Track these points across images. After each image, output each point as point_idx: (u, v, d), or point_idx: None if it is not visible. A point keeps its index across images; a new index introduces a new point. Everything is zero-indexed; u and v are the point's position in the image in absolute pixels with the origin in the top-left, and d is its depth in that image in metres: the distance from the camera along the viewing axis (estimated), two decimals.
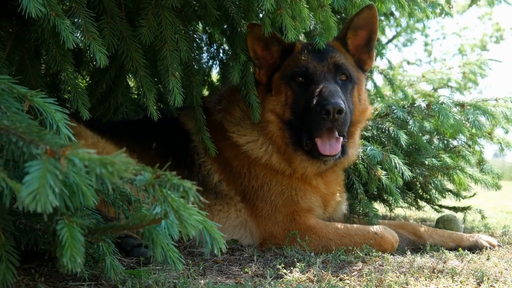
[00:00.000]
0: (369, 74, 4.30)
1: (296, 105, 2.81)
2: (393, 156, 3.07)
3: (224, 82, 4.04)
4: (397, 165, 3.02)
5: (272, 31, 2.61)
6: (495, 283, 2.08)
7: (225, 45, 4.27)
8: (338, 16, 3.94)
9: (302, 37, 3.38)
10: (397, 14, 4.77)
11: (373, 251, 2.62)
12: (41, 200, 1.10)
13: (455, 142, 3.70)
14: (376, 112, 3.47)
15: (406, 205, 3.91)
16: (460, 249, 2.80)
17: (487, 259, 2.53)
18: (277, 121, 2.87)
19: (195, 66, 2.95)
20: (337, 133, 2.71)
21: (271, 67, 2.95)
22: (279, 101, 2.87)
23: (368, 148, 3.11)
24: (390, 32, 14.57)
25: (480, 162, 3.58)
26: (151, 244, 1.49)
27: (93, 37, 2.18)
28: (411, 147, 3.58)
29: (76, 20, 2.22)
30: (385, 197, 3.75)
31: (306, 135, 2.77)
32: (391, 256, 2.55)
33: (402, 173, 3.02)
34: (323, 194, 2.97)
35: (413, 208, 3.99)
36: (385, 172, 3.09)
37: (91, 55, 2.24)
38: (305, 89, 2.78)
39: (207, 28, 4.03)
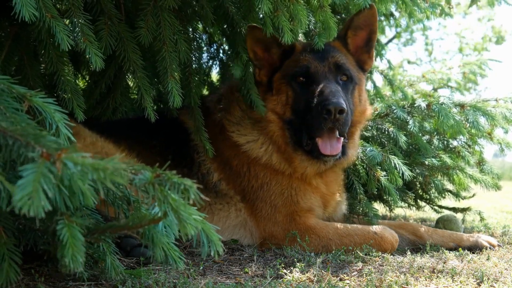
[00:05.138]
0: (369, 74, 4.29)
1: (297, 104, 2.81)
2: (393, 156, 3.07)
3: (224, 81, 4.04)
4: (397, 165, 3.02)
5: (272, 33, 2.61)
6: (495, 283, 2.08)
7: (225, 45, 4.26)
8: (338, 17, 3.93)
9: (301, 37, 3.37)
10: (397, 14, 4.78)
11: (373, 251, 2.62)
12: (34, 204, 1.10)
13: (455, 143, 3.70)
14: (376, 112, 3.47)
15: (406, 205, 3.91)
16: (460, 249, 2.79)
17: (487, 259, 2.53)
18: (278, 121, 2.88)
19: (194, 66, 2.95)
20: (337, 133, 2.71)
21: (271, 68, 2.95)
22: (279, 100, 2.87)
23: (368, 149, 3.10)
24: (390, 33, 14.60)
25: (480, 162, 3.58)
26: (151, 244, 1.48)
27: (89, 40, 2.17)
28: (411, 147, 3.58)
29: (73, 21, 2.21)
30: (385, 197, 3.75)
31: (307, 135, 2.77)
32: (391, 256, 2.55)
33: (402, 174, 3.02)
34: (323, 194, 2.97)
35: (413, 208, 3.99)
36: (384, 173, 3.09)
37: (88, 57, 2.23)
38: (306, 89, 2.79)
39: (207, 28, 4.03)
